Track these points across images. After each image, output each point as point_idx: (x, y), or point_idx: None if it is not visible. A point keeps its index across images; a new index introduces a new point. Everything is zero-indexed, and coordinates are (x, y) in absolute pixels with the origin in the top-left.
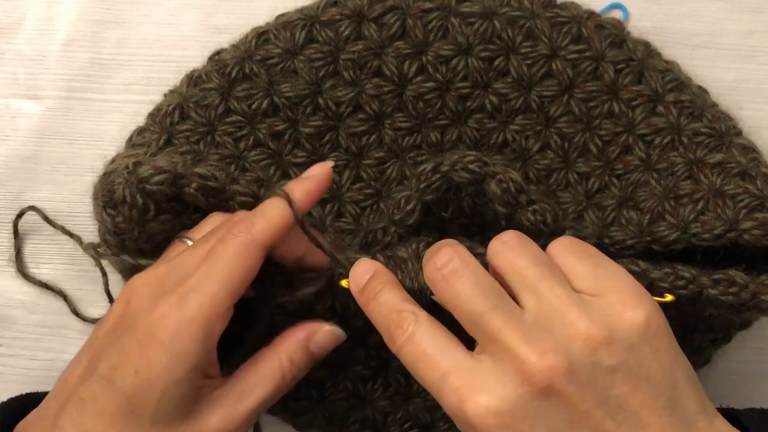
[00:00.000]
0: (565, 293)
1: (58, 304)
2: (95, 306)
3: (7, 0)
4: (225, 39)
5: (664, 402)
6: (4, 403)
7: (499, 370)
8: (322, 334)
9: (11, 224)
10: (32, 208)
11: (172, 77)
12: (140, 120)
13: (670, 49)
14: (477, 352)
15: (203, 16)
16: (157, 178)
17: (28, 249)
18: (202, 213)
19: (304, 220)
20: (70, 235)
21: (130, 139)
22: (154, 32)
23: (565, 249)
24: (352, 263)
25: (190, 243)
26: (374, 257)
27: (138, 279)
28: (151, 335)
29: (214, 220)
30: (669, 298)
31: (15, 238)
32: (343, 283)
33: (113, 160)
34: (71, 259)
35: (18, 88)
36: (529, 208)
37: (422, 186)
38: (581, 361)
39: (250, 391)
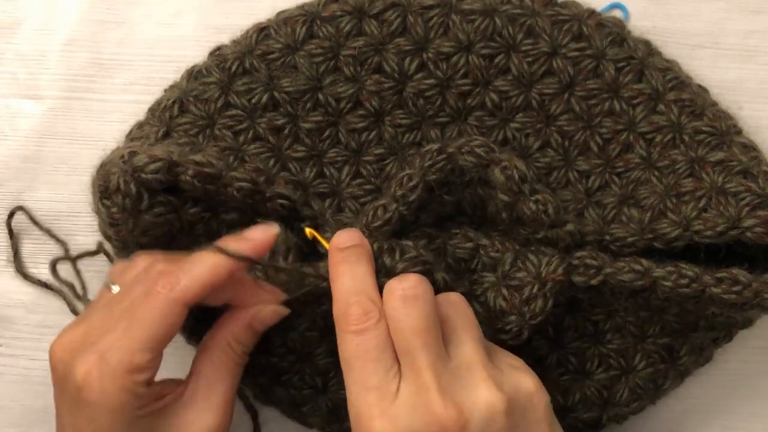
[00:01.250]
0: (484, 358)
1: (58, 304)
2: None
3: (7, 0)
4: (225, 39)
5: None
6: None
7: (411, 404)
8: (267, 313)
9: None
10: (20, 208)
11: (172, 77)
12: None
13: (670, 49)
14: (401, 373)
15: (203, 16)
16: (152, 166)
17: (27, 249)
18: (199, 207)
19: (248, 258)
20: (57, 239)
21: (129, 133)
22: (154, 32)
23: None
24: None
25: (115, 289)
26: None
27: (57, 344)
28: (84, 397)
29: (140, 261)
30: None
31: (11, 238)
32: (308, 231)
33: (111, 153)
34: (70, 258)
35: (18, 88)
36: (532, 198)
37: (427, 164)
38: (477, 423)
39: (213, 381)
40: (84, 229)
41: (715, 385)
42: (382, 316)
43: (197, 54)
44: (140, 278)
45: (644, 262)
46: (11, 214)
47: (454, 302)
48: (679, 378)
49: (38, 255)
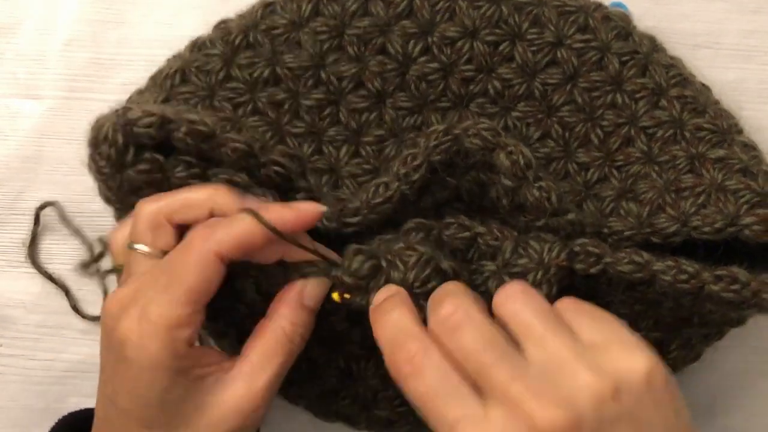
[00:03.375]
0: (571, 344)
1: (58, 304)
2: (95, 306)
3: (7, 0)
4: None
5: None
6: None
7: (508, 423)
8: (312, 286)
9: (11, 222)
10: (51, 204)
11: None
12: None
13: (670, 49)
14: (484, 398)
15: (203, 16)
16: (145, 120)
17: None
18: (186, 173)
19: (275, 229)
20: (83, 240)
21: (129, 98)
22: (154, 32)
23: (568, 305)
24: (348, 260)
25: (145, 249)
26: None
27: (109, 300)
28: (125, 353)
29: (144, 206)
30: None
31: (35, 225)
32: (335, 296)
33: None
34: (71, 258)
35: (18, 88)
36: (535, 185)
37: (432, 144)
38: (587, 415)
39: (260, 366)
40: (84, 229)
41: (714, 385)
42: (427, 346)
43: None
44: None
45: (644, 254)
46: (42, 207)
47: (510, 297)
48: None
49: (38, 255)
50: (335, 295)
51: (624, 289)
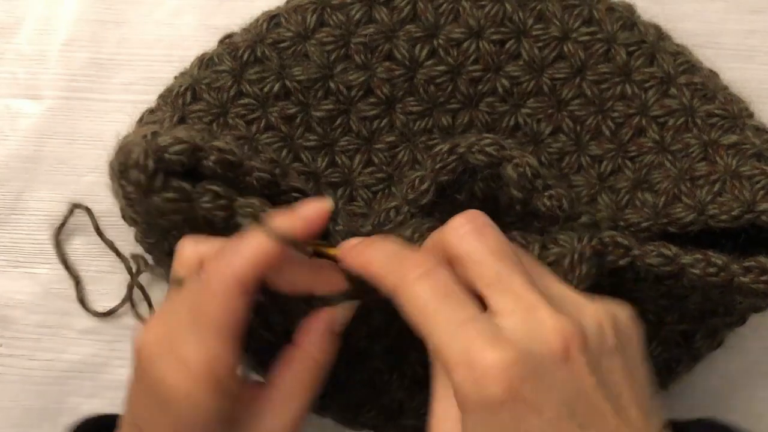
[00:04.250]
0: (570, 287)
1: (58, 304)
2: (95, 306)
3: (7, 0)
4: None
5: (644, 404)
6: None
7: (520, 329)
8: (341, 314)
9: (11, 222)
10: (87, 209)
11: (172, 77)
12: None
13: None
14: (490, 314)
15: (203, 16)
16: (176, 148)
17: (28, 249)
18: (213, 204)
19: (288, 238)
20: (117, 254)
21: (141, 119)
22: (154, 32)
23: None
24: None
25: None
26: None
27: (144, 334)
28: (163, 397)
29: (185, 248)
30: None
31: (62, 225)
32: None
33: (127, 136)
34: (71, 259)
35: (18, 88)
36: (545, 194)
37: (437, 166)
38: (593, 338)
39: (293, 396)
40: (84, 229)
41: (714, 385)
42: (438, 261)
43: (197, 54)
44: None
45: (672, 247)
46: (73, 208)
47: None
48: (692, 362)
49: (38, 255)
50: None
51: (650, 284)
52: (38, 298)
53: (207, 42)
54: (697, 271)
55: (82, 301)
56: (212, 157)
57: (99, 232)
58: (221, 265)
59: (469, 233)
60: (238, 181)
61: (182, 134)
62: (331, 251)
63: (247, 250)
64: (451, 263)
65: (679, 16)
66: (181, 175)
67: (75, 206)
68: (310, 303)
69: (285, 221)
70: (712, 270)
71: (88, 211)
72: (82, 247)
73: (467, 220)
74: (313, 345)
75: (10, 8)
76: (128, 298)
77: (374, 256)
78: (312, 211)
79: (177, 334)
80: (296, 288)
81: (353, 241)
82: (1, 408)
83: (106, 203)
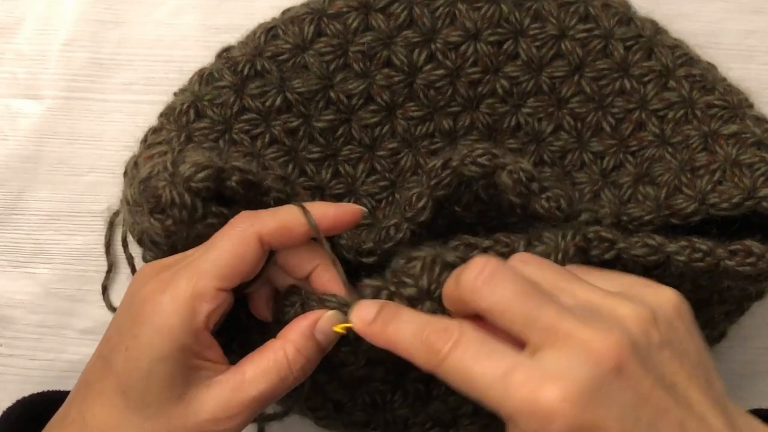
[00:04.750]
0: (597, 289)
1: (58, 304)
2: (95, 306)
3: (7, 0)
4: (225, 39)
5: (702, 381)
6: (24, 400)
7: (564, 358)
8: (325, 319)
9: (11, 222)
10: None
11: (172, 77)
12: (140, 120)
13: None
14: (530, 349)
15: (203, 16)
16: (200, 175)
17: (28, 249)
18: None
19: (318, 230)
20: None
21: (144, 139)
22: (154, 32)
23: (577, 269)
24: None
25: None
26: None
27: (147, 264)
28: (142, 311)
29: None
30: None
31: (108, 229)
32: (337, 328)
33: (135, 163)
34: (71, 259)
35: (18, 88)
36: (543, 196)
37: (433, 182)
38: (639, 339)
39: (250, 380)
40: (84, 229)
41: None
42: (460, 322)
43: (197, 54)
44: None
45: (657, 237)
46: (116, 213)
47: (528, 260)
48: None
49: (38, 255)
50: (337, 327)
51: (641, 274)
52: (38, 298)
53: (207, 42)
54: (683, 258)
55: (105, 288)
56: (234, 178)
57: (124, 245)
58: (250, 217)
59: (484, 285)
60: (256, 200)
61: (201, 159)
62: (337, 328)
63: (278, 215)
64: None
65: (679, 16)
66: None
67: (115, 214)
68: (305, 308)
69: (321, 206)
70: (697, 256)
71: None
72: (84, 247)
73: (478, 271)
74: (290, 340)
75: (10, 8)
76: None
77: (398, 336)
78: (347, 209)
79: (180, 266)
80: (301, 270)
81: (367, 313)
82: (1, 408)
83: (105, 203)
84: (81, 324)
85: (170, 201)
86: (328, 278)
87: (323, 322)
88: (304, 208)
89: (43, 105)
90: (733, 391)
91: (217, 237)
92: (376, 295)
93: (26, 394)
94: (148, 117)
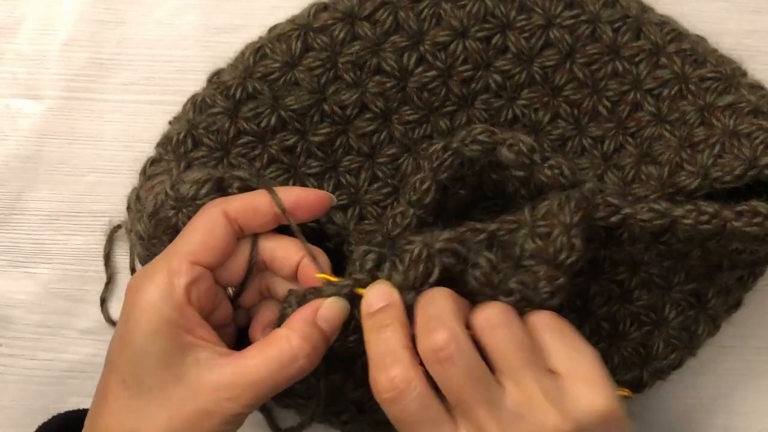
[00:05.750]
0: (543, 381)
1: (58, 304)
2: (95, 306)
3: (7, 0)
4: (225, 39)
5: None
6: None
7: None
8: (326, 306)
9: (11, 222)
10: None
11: (172, 77)
12: (140, 120)
13: None
14: (457, 422)
15: (203, 16)
16: (203, 190)
17: (28, 249)
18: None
19: (284, 210)
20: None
21: (143, 171)
22: (154, 32)
23: (545, 327)
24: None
25: None
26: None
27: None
28: (128, 300)
29: None
30: (626, 393)
31: (108, 242)
32: (318, 276)
33: (137, 196)
34: (71, 259)
35: (18, 88)
36: (545, 165)
37: (435, 165)
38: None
39: (252, 365)
40: (84, 229)
41: (715, 385)
42: (412, 379)
43: (197, 54)
44: None
45: (663, 202)
46: (116, 228)
47: (498, 323)
48: (711, 323)
49: (39, 255)
50: (319, 276)
51: (648, 244)
52: (38, 298)
53: (207, 42)
54: (689, 221)
55: (103, 300)
56: (236, 185)
57: (132, 268)
58: (219, 199)
59: (437, 365)
60: None
61: (199, 175)
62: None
63: (245, 196)
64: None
65: (679, 16)
66: None
67: (115, 229)
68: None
69: (288, 189)
70: (704, 218)
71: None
72: (84, 247)
73: (443, 342)
74: (292, 329)
75: (10, 8)
76: None
77: (371, 345)
78: (315, 194)
79: (158, 257)
80: (288, 263)
81: (376, 302)
82: (1, 408)
83: (105, 203)
84: (81, 324)
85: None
86: (314, 268)
87: (324, 309)
88: (270, 189)
89: (43, 105)
90: (733, 391)
91: (189, 223)
92: (378, 264)
93: (26, 394)
94: (148, 117)
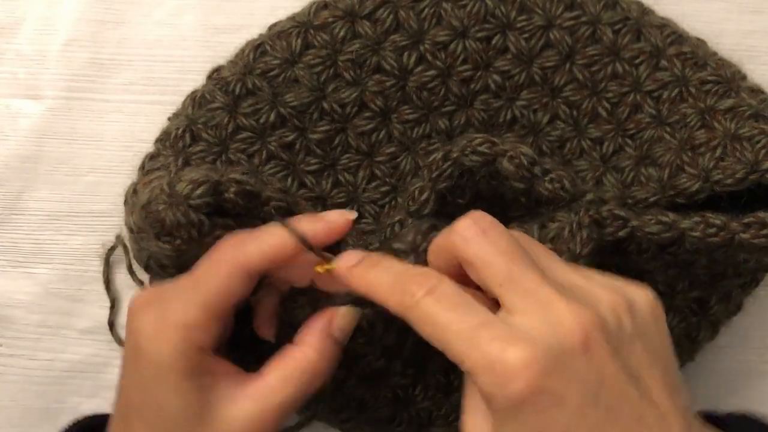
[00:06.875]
0: (580, 272)
1: (58, 303)
2: (95, 306)
3: (7, 0)
4: (225, 39)
5: (669, 384)
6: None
7: (536, 324)
8: (340, 317)
9: (11, 222)
10: (122, 245)
11: (172, 77)
12: (140, 120)
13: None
14: (504, 314)
15: (203, 16)
16: (198, 191)
17: (28, 249)
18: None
19: (309, 244)
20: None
21: (142, 166)
22: (154, 32)
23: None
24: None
25: None
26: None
27: (136, 296)
28: (138, 345)
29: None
30: None
31: (105, 265)
32: (319, 268)
33: (135, 191)
34: (71, 259)
35: (18, 88)
36: (546, 178)
37: (434, 175)
38: (611, 324)
39: (275, 388)
40: (84, 229)
41: (714, 385)
42: (441, 275)
43: (197, 54)
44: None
45: (670, 214)
46: (112, 248)
47: (520, 236)
48: (711, 328)
49: (38, 255)
50: (320, 267)
51: (655, 254)
52: (38, 298)
53: (207, 42)
54: (697, 234)
55: (111, 324)
56: (232, 189)
57: (131, 272)
58: (235, 247)
59: (475, 236)
60: (256, 211)
61: (197, 175)
62: (319, 268)
63: (263, 242)
64: (462, 266)
65: (679, 16)
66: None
67: (111, 249)
68: (315, 307)
69: (308, 223)
70: (711, 231)
71: (125, 248)
72: (84, 247)
73: (472, 221)
74: (309, 344)
75: (10, 8)
76: None
77: (377, 280)
78: (336, 217)
79: (168, 297)
80: (299, 282)
81: (352, 258)
82: (1, 408)
83: (105, 203)
84: (81, 324)
85: (175, 222)
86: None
87: (339, 319)
88: (288, 227)
89: (43, 105)
90: (732, 391)
91: (204, 269)
92: (365, 246)
93: (26, 394)
94: (148, 117)
